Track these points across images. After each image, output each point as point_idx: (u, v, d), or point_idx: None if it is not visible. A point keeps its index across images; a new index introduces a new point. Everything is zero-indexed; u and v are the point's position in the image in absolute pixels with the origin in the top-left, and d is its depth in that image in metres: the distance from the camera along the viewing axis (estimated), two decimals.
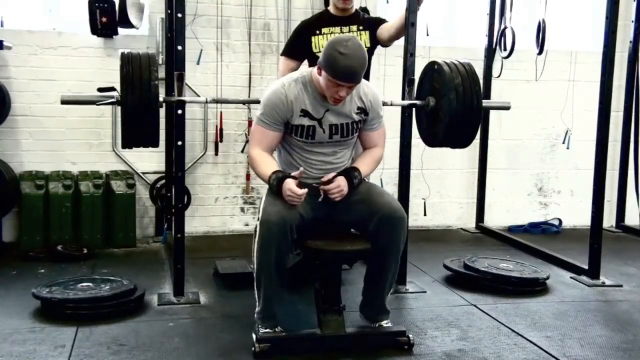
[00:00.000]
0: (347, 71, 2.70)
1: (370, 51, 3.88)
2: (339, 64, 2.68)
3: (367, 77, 3.81)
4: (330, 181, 2.89)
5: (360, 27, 3.84)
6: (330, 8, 3.90)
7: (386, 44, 3.90)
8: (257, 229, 2.78)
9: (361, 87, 2.94)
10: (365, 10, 5.02)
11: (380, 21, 3.89)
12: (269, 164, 2.92)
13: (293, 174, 2.84)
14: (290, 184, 2.78)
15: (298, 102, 2.85)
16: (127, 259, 4.44)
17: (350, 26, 3.83)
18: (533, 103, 5.59)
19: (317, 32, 3.83)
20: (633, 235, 5.55)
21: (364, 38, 3.81)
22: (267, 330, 2.85)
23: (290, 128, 2.89)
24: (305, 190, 2.80)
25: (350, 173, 2.93)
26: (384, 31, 3.80)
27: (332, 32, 3.81)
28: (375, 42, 3.88)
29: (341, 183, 2.88)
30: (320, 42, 3.81)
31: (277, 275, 2.80)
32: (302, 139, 2.90)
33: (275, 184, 2.81)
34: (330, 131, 2.90)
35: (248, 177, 5.16)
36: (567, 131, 5.55)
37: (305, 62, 3.88)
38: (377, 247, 2.86)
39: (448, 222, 5.69)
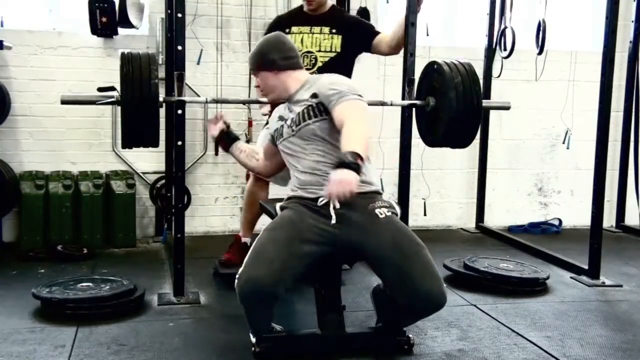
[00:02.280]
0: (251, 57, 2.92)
1: (343, 57, 3.71)
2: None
3: None
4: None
5: (334, 30, 3.70)
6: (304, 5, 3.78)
7: (385, 55, 3.82)
8: (236, 280, 2.54)
9: (315, 78, 2.90)
10: (365, 10, 5.03)
11: (370, 33, 3.74)
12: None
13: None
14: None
15: (278, 110, 2.97)
16: (127, 259, 4.44)
17: (322, 27, 3.70)
18: (533, 103, 5.59)
19: (287, 30, 3.70)
20: (633, 235, 5.55)
21: (334, 42, 3.70)
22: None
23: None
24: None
25: (342, 159, 2.43)
26: (382, 45, 3.71)
27: (301, 32, 3.71)
28: (351, 48, 3.74)
29: (335, 177, 2.38)
30: None
31: (260, 315, 2.69)
32: (277, 141, 2.89)
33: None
34: (292, 122, 2.78)
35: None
36: (567, 131, 5.55)
37: None
38: (402, 310, 2.68)
39: (448, 222, 5.69)
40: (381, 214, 2.64)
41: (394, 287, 2.60)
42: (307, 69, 3.60)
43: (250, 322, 2.74)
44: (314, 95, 2.76)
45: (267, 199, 3.80)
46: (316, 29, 3.70)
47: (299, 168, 2.78)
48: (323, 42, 3.70)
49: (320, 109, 2.73)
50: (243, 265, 2.54)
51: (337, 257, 2.73)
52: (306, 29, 3.71)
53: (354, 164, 2.40)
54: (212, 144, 5.06)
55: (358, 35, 3.75)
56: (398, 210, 2.76)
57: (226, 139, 3.14)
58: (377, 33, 3.78)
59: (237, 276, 2.54)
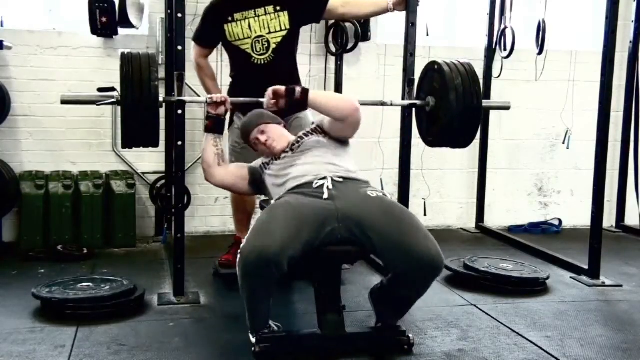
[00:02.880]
0: (247, 122, 3.13)
1: (293, 33, 3.60)
2: (241, 127, 3.22)
3: (296, 65, 3.74)
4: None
5: (278, 8, 3.54)
6: None
7: (338, 18, 3.77)
8: (238, 257, 2.58)
9: (306, 118, 3.54)
10: None
11: (318, 3, 3.61)
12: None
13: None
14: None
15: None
16: (127, 259, 4.44)
17: (265, 7, 3.54)
18: (533, 103, 5.59)
19: (230, 19, 3.55)
20: (633, 235, 5.54)
21: (282, 20, 3.56)
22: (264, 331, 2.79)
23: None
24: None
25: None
26: (337, 12, 3.64)
27: (245, 17, 3.53)
28: (299, 22, 3.61)
29: (269, 91, 2.90)
30: (234, 30, 3.55)
31: (263, 299, 2.69)
32: (267, 169, 3.02)
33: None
34: (293, 145, 2.98)
35: None
36: (567, 131, 5.54)
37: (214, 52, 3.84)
38: (402, 287, 2.69)
39: (448, 222, 5.69)
40: (372, 193, 2.74)
41: (390, 256, 2.59)
42: (262, 54, 3.57)
43: (250, 309, 2.72)
44: (313, 123, 3.14)
45: (254, 200, 3.85)
46: (260, 11, 3.54)
47: (297, 164, 2.88)
48: (271, 22, 3.55)
49: (319, 130, 3.01)
50: (245, 241, 2.55)
51: (334, 237, 2.65)
52: (250, 12, 3.54)
53: (292, 86, 2.89)
54: None
55: (305, 9, 3.62)
56: (389, 196, 2.83)
57: (216, 123, 3.12)
58: (327, 2, 3.61)
59: (239, 252, 2.56)
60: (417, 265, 2.53)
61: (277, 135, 3.03)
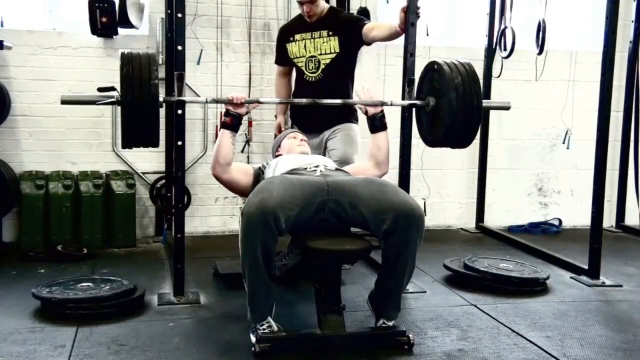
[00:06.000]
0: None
1: (343, 56, 3.93)
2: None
3: (347, 86, 4.00)
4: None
5: (330, 33, 3.92)
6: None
7: (369, 42, 3.92)
8: (240, 219, 2.77)
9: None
10: (365, 10, 5.03)
11: (358, 27, 3.86)
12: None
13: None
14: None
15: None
16: (127, 259, 4.44)
17: (321, 31, 3.94)
18: (533, 103, 5.59)
19: (291, 39, 4.01)
20: (633, 235, 5.55)
21: (332, 44, 3.91)
22: (263, 327, 2.80)
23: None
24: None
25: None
26: (369, 35, 3.81)
27: (303, 39, 3.97)
28: (348, 46, 3.92)
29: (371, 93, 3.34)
30: (293, 49, 4.02)
31: (263, 267, 2.73)
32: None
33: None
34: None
35: None
36: (567, 131, 5.55)
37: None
38: (392, 248, 2.79)
39: (448, 222, 5.69)
40: (358, 177, 3.09)
41: (377, 215, 2.77)
42: (313, 72, 3.95)
43: (251, 289, 2.77)
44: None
45: None
46: (316, 34, 3.95)
47: (294, 157, 3.22)
48: (323, 45, 3.93)
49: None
50: (246, 202, 2.75)
51: (323, 210, 2.82)
52: (307, 35, 3.97)
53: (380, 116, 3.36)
54: (212, 143, 5.06)
55: (351, 33, 3.91)
56: None
57: (235, 121, 3.20)
58: (364, 24, 3.88)
59: (241, 214, 2.74)
60: (400, 214, 2.74)
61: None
